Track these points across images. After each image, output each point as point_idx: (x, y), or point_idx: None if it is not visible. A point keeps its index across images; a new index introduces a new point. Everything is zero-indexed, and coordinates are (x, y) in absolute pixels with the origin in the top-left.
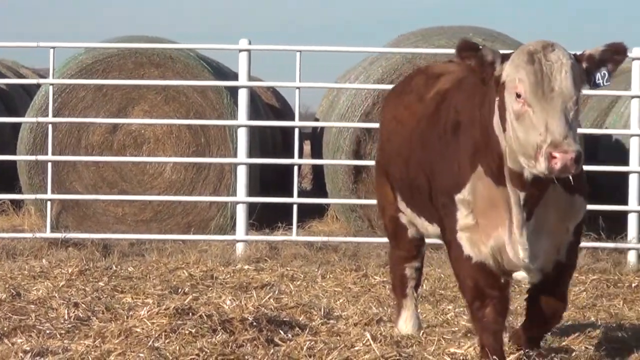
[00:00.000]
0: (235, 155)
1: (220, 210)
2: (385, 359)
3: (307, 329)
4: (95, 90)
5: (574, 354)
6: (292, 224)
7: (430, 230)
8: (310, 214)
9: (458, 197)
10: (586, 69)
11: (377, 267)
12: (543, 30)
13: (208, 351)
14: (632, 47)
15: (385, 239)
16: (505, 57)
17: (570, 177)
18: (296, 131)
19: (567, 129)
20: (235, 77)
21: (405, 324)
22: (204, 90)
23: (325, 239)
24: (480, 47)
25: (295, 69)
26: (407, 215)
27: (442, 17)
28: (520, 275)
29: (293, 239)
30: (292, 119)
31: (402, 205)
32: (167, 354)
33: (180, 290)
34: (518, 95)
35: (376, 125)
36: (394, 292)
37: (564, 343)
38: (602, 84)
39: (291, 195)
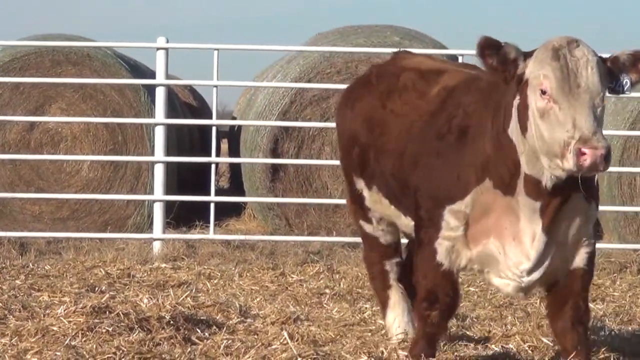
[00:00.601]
0: (152, 154)
1: (138, 208)
2: (303, 357)
3: (224, 328)
4: (12, 88)
5: (491, 352)
6: (209, 223)
7: None
8: (227, 212)
9: (451, 207)
10: (609, 71)
11: (294, 265)
12: (463, 29)
13: (125, 350)
14: None
15: (301, 237)
16: (527, 54)
17: (581, 185)
18: (213, 129)
19: (596, 125)
20: (152, 75)
21: (394, 320)
22: (121, 89)
23: (242, 237)
24: (503, 44)
25: (213, 68)
26: (390, 217)
27: (359, 15)
28: (499, 283)
29: (210, 237)
30: (210, 117)
31: (383, 206)
32: (84, 353)
33: (97, 288)
34: (543, 92)
35: (293, 123)
36: (375, 292)
37: (481, 342)
38: (621, 92)
39: (208, 194)
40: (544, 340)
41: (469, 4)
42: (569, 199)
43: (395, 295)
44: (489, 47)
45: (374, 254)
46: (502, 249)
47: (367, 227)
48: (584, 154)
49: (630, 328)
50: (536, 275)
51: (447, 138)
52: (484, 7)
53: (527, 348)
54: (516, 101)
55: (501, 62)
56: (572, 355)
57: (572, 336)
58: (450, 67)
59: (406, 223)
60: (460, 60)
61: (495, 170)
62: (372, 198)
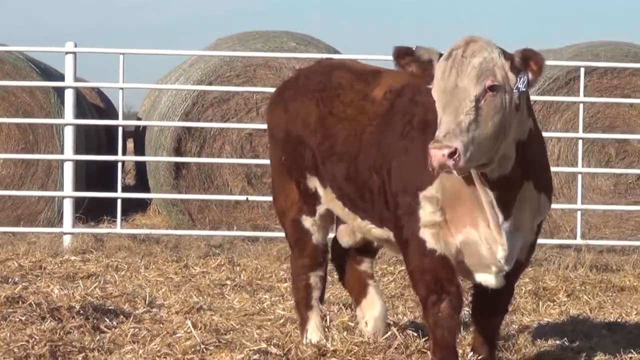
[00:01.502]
0: (62, 152)
1: (49, 204)
2: (205, 345)
3: (131, 317)
4: None
5: (382, 343)
6: (116, 218)
7: (375, 234)
8: (133, 208)
9: (424, 194)
10: (511, 69)
11: (197, 258)
12: (359, 35)
13: (37, 337)
14: None
15: (204, 232)
16: (442, 55)
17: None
18: (120, 129)
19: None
20: (61, 78)
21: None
22: (32, 91)
23: (147, 231)
24: (414, 48)
25: (119, 71)
26: (342, 217)
27: (258, 21)
28: (482, 277)
29: (117, 231)
30: (116, 118)
31: (337, 206)
32: None
33: (10, 280)
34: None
35: (195, 124)
36: (297, 307)
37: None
38: (520, 89)
39: (115, 190)
40: None
41: (358, 10)
42: (522, 189)
43: (316, 319)
44: (403, 55)
45: (301, 263)
46: (478, 237)
47: (307, 222)
48: (430, 155)
49: (514, 317)
50: (511, 262)
51: (410, 134)
52: (373, 14)
53: (419, 338)
54: None
55: (419, 67)
56: (481, 341)
57: (489, 323)
58: (380, 69)
59: (362, 225)
60: None
61: None
62: (327, 197)
